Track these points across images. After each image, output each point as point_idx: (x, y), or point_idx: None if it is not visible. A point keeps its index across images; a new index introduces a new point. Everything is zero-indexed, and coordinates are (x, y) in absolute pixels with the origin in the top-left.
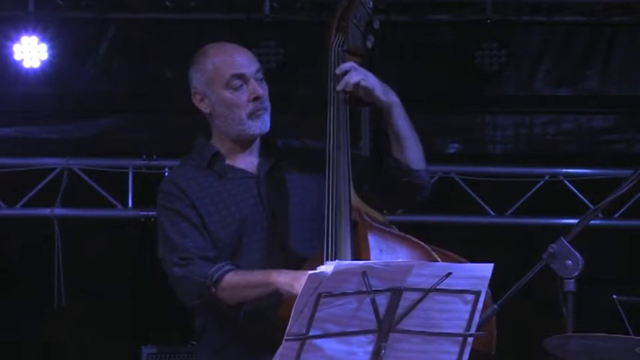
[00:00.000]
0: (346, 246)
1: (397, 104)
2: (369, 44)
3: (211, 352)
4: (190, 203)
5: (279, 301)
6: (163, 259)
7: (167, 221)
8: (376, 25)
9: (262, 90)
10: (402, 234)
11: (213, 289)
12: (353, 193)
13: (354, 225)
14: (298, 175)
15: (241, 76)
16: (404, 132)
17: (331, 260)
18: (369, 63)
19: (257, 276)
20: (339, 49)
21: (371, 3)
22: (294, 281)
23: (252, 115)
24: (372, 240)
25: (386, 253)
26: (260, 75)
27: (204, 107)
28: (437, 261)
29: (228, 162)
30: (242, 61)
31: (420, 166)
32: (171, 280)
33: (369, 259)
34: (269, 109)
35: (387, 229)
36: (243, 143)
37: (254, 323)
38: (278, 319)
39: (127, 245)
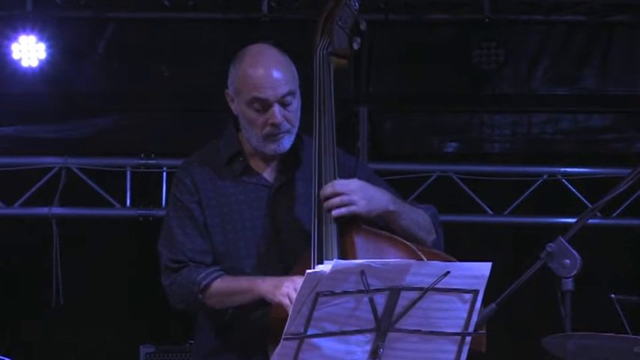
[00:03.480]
0: (333, 248)
1: (388, 211)
2: (355, 46)
3: (203, 355)
4: (198, 199)
5: (269, 307)
6: (160, 253)
7: (174, 212)
8: (362, 26)
9: (280, 117)
10: (388, 234)
11: (200, 296)
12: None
13: (340, 226)
14: (311, 190)
15: (263, 101)
16: (405, 230)
17: (318, 262)
18: (353, 64)
19: (243, 283)
20: (324, 51)
21: (357, 4)
22: (275, 289)
23: (267, 138)
24: (359, 241)
25: (373, 254)
26: (289, 99)
27: (232, 108)
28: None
29: (248, 162)
30: (270, 82)
31: (429, 240)
32: (162, 282)
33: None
34: (293, 130)
35: (374, 230)
36: (262, 153)
37: (245, 329)
38: (268, 326)
39: (125, 244)
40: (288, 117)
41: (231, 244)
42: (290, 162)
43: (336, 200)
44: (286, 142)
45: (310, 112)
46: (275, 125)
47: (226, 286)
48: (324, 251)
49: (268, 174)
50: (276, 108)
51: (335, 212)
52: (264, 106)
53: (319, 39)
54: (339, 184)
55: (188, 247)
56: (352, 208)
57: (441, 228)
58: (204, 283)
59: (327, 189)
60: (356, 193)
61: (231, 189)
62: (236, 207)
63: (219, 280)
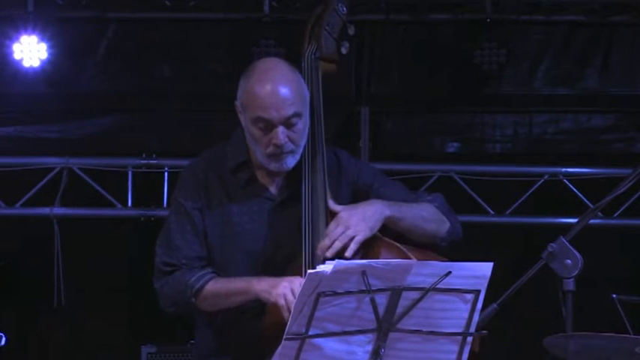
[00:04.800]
0: None
1: (386, 217)
2: (344, 50)
3: (200, 355)
4: (200, 206)
5: (263, 311)
6: (156, 252)
7: (175, 216)
8: (351, 31)
9: (284, 138)
10: (379, 235)
11: (193, 299)
12: (329, 196)
13: None
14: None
15: (267, 121)
16: (412, 228)
17: (310, 265)
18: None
19: (238, 284)
20: (312, 56)
21: (344, 9)
22: (272, 288)
23: (271, 157)
24: None
25: (363, 256)
26: (294, 120)
27: (240, 119)
28: None
29: (254, 173)
30: (276, 103)
31: (442, 230)
32: (154, 284)
33: None
34: (297, 150)
35: None
36: (266, 169)
37: (241, 331)
38: (262, 328)
39: (126, 244)
40: (292, 137)
41: (229, 255)
42: (295, 177)
43: (338, 245)
44: (290, 162)
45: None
46: (278, 146)
47: (221, 287)
48: (315, 255)
49: (273, 187)
50: (280, 129)
51: (348, 254)
52: (268, 125)
53: (307, 44)
54: (332, 232)
55: (184, 253)
56: (359, 238)
57: (452, 215)
58: (198, 285)
59: (325, 242)
60: (351, 225)
61: (234, 199)
62: (237, 218)
63: (212, 282)
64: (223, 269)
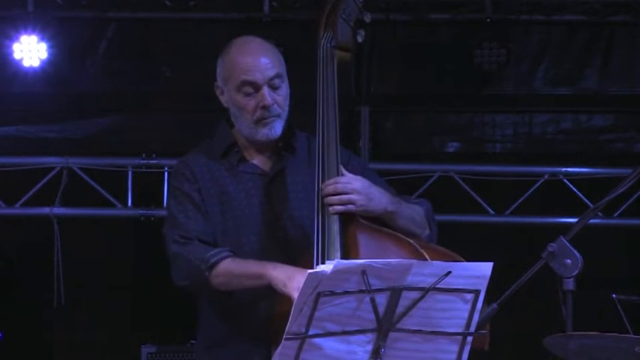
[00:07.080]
0: (336, 244)
1: (387, 212)
2: (359, 39)
3: (204, 348)
4: (198, 187)
5: (274, 297)
6: (165, 234)
7: (174, 200)
8: (367, 19)
9: (270, 99)
10: (391, 231)
11: (207, 274)
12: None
13: (343, 223)
14: (310, 178)
15: (252, 84)
16: (402, 228)
17: (321, 259)
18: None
19: (253, 267)
20: (328, 45)
21: None
22: (287, 280)
23: (259, 122)
24: (362, 238)
25: (375, 252)
26: (277, 81)
27: (223, 101)
28: (424, 258)
29: (243, 154)
30: (258, 66)
31: (422, 235)
32: (169, 257)
33: (359, 258)
34: (283, 115)
35: (376, 227)
36: (256, 142)
37: (249, 319)
38: (273, 314)
39: (126, 244)
40: (277, 101)
41: (230, 231)
42: (284, 151)
43: (335, 199)
44: (278, 127)
45: (313, 107)
46: (266, 108)
47: (236, 267)
48: (327, 248)
49: (263, 164)
50: (266, 90)
51: (331, 209)
52: (254, 88)
53: (322, 32)
54: (342, 183)
55: (192, 227)
56: (350, 207)
57: (434, 223)
58: (213, 260)
59: (329, 187)
60: (356, 193)
61: (228, 179)
62: (234, 195)
63: (228, 260)
64: (226, 246)
